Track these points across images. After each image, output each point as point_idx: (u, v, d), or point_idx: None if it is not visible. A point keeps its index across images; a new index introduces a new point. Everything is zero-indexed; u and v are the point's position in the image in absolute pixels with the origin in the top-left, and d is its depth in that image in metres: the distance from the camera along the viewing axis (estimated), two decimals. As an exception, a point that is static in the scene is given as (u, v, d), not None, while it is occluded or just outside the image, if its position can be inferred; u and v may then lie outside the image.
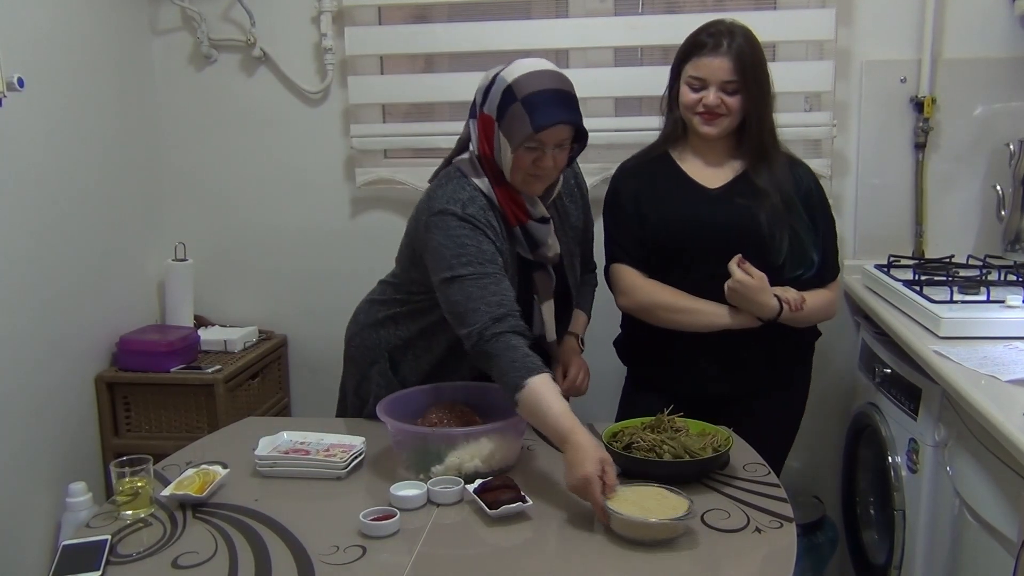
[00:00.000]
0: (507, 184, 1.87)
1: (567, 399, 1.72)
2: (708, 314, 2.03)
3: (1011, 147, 2.47)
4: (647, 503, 1.52)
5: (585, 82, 2.61)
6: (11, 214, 2.15)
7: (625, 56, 2.73)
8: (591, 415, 1.93)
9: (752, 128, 2.05)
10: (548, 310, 1.96)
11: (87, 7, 2.46)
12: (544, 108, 1.78)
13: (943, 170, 2.59)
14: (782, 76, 2.60)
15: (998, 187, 2.48)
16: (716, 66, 1.99)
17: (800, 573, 2.42)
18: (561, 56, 2.77)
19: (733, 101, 2.01)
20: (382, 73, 2.78)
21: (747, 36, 2.02)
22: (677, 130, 2.13)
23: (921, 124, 2.56)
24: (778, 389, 2.15)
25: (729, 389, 2.09)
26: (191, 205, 2.84)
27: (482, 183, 1.87)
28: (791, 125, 2.59)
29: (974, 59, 2.54)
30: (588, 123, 2.57)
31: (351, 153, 2.75)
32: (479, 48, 2.65)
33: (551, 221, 1.95)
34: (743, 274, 1.96)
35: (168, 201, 2.83)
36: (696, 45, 2.03)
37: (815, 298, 2.06)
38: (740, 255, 1.97)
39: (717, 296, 2.02)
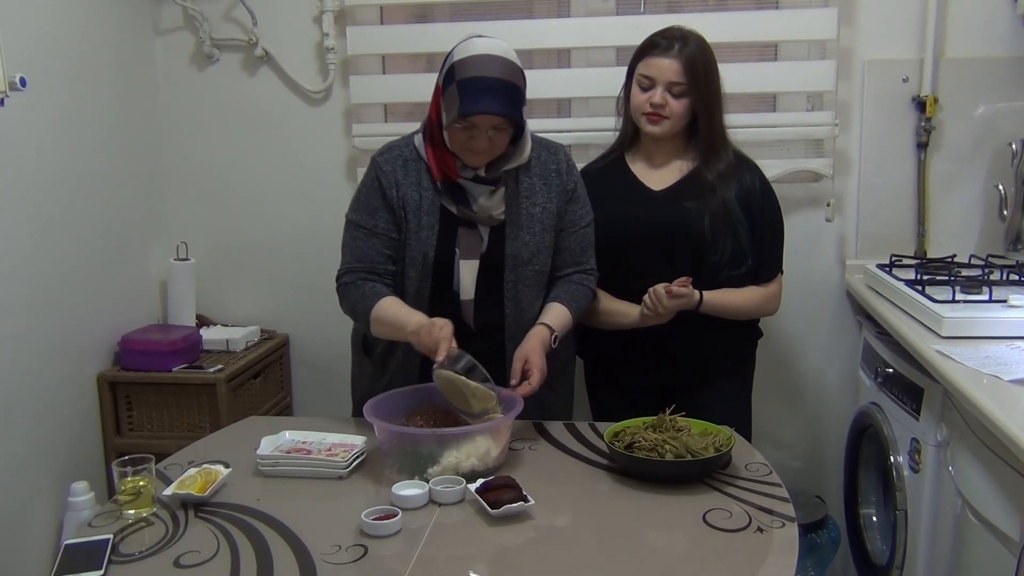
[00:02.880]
0: (444, 146, 1.95)
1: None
2: (620, 315, 2.13)
3: (1013, 146, 2.46)
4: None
5: (587, 81, 2.64)
6: (13, 214, 2.15)
7: (627, 56, 2.70)
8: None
9: (701, 130, 2.11)
10: (468, 268, 1.98)
11: (89, 7, 2.46)
12: (475, 96, 1.84)
13: (945, 170, 2.59)
14: (784, 76, 2.63)
15: (1000, 187, 2.48)
16: (665, 66, 2.06)
17: (802, 572, 2.43)
18: (563, 55, 2.78)
19: (677, 104, 2.07)
20: (384, 73, 2.78)
21: (700, 43, 2.09)
22: (628, 131, 2.21)
23: (923, 124, 2.55)
24: (723, 379, 2.22)
25: (673, 380, 2.14)
26: (193, 204, 2.84)
27: (417, 138, 2.02)
28: (793, 125, 2.60)
29: (976, 58, 2.53)
30: (590, 122, 2.63)
31: (353, 152, 2.76)
32: (481, 48, 2.65)
33: (499, 187, 1.98)
34: (654, 310, 2.03)
35: (170, 200, 2.84)
36: (649, 46, 2.11)
37: (746, 294, 2.14)
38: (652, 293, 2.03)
39: None
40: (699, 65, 2.06)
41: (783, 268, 2.23)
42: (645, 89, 2.09)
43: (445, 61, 1.93)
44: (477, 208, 1.96)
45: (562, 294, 2.06)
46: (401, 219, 1.98)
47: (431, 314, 1.92)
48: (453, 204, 1.97)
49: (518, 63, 1.92)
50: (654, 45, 2.09)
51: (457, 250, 1.98)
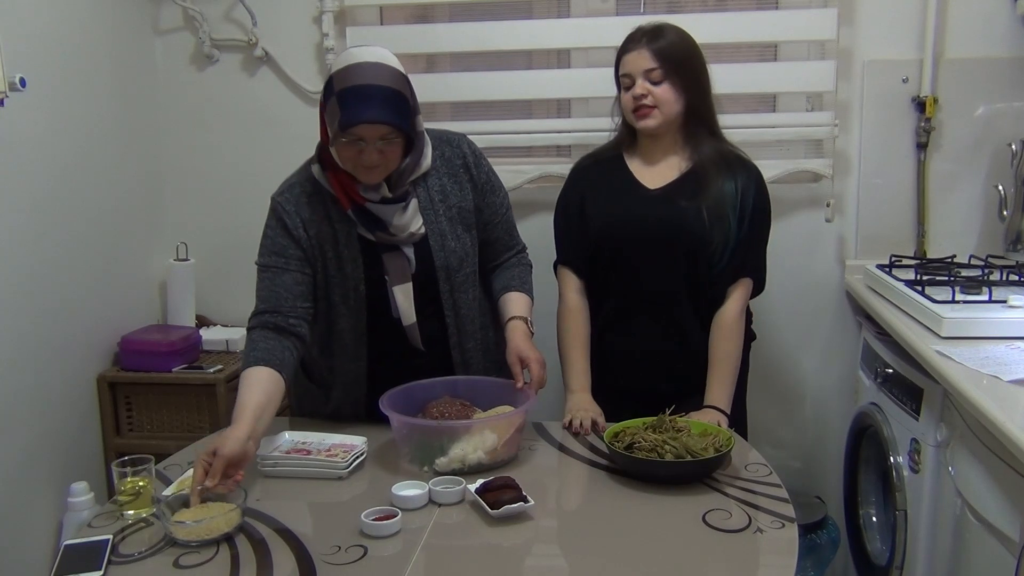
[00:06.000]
0: (342, 168, 1.85)
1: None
2: (568, 372, 2.11)
3: (1013, 147, 2.46)
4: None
5: (587, 81, 2.64)
6: (12, 214, 2.15)
7: (627, 56, 2.73)
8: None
9: (690, 120, 2.09)
10: (403, 293, 1.90)
11: (89, 7, 2.46)
12: (353, 105, 1.74)
13: (945, 170, 2.59)
14: (784, 76, 2.63)
15: (1000, 187, 2.48)
16: (635, 59, 2.06)
17: (802, 573, 2.43)
18: (563, 55, 2.78)
19: (660, 91, 2.05)
20: (384, 73, 2.77)
21: (675, 32, 2.08)
22: (623, 134, 2.19)
23: (923, 124, 2.55)
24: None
25: (664, 387, 2.09)
26: (193, 205, 2.84)
27: (315, 168, 1.91)
28: (793, 125, 2.60)
29: (976, 59, 2.53)
30: (589, 123, 2.62)
31: (353, 153, 2.75)
32: (481, 48, 2.65)
33: (410, 200, 1.91)
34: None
35: (170, 201, 2.84)
36: (622, 45, 2.11)
37: (728, 347, 2.07)
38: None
39: (657, 294, 2.09)
40: (669, 50, 2.04)
41: (763, 281, 2.16)
42: (628, 88, 2.08)
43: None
44: (394, 229, 1.88)
45: (512, 281, 2.05)
46: (316, 258, 1.89)
47: (374, 343, 1.94)
48: (369, 232, 1.89)
49: (401, 70, 1.81)
50: (625, 43, 2.10)
51: (387, 277, 1.91)
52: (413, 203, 1.91)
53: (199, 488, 1.56)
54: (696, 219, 2.05)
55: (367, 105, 1.74)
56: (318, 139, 2.80)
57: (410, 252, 1.93)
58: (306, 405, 2.12)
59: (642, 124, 2.08)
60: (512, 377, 1.89)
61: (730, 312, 2.08)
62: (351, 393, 2.01)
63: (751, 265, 2.11)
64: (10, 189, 2.14)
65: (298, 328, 1.85)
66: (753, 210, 2.09)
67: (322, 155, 1.90)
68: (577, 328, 2.15)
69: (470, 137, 2.04)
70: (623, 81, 2.09)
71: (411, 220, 1.91)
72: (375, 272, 1.91)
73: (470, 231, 1.99)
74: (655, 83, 2.04)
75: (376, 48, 1.82)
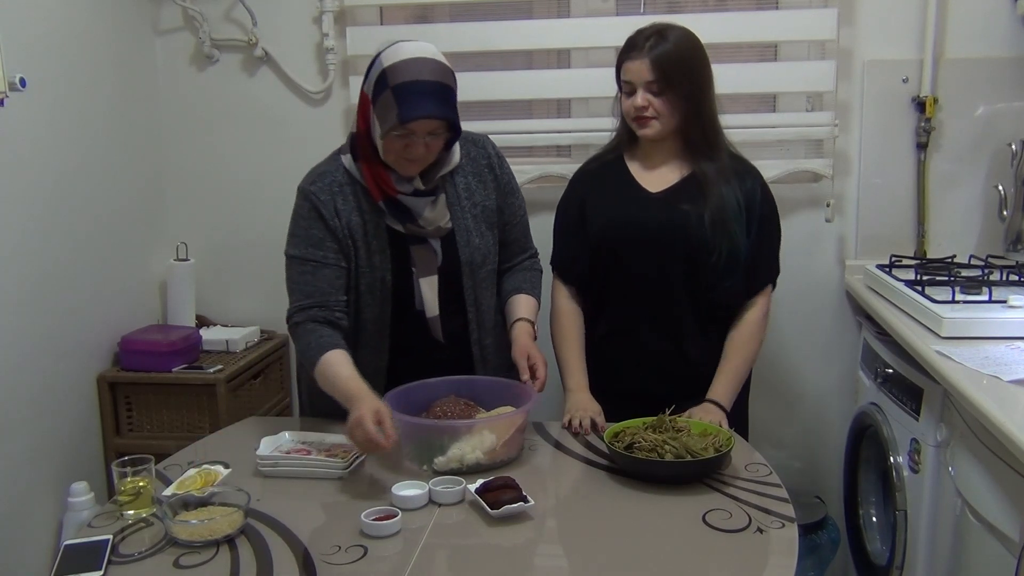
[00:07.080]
0: (378, 160, 1.89)
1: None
2: (565, 372, 2.12)
3: (1013, 147, 2.46)
4: None
5: (587, 81, 2.65)
6: (13, 214, 2.15)
7: (627, 56, 2.73)
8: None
9: (691, 128, 2.07)
10: (428, 285, 1.94)
11: (89, 7, 2.46)
12: (412, 100, 1.78)
13: (945, 170, 2.59)
14: (784, 76, 2.63)
15: (1000, 187, 2.48)
16: (637, 68, 2.03)
17: (802, 573, 2.43)
18: (563, 55, 2.78)
19: (660, 103, 2.03)
20: (384, 73, 2.77)
21: (679, 38, 2.03)
22: (624, 136, 2.18)
23: (923, 124, 2.55)
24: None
25: (665, 390, 2.04)
26: (193, 205, 2.84)
27: (346, 159, 1.94)
28: (793, 125, 2.60)
29: (976, 59, 2.53)
30: (589, 123, 2.63)
31: (353, 153, 2.75)
32: (481, 48, 2.65)
33: (439, 195, 1.95)
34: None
35: (170, 201, 2.84)
36: (624, 49, 2.08)
37: (744, 351, 2.09)
38: None
39: (656, 296, 2.08)
40: (671, 59, 2.00)
41: (776, 281, 2.17)
42: (629, 95, 2.06)
43: (370, 69, 1.86)
44: (424, 222, 1.93)
45: (522, 284, 2.08)
46: (349, 248, 1.93)
47: (396, 335, 1.96)
48: (399, 223, 1.92)
49: (448, 64, 1.86)
50: (628, 48, 2.07)
51: (414, 269, 1.94)
52: (442, 198, 1.96)
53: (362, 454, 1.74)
54: (698, 224, 2.04)
55: (425, 100, 1.79)
56: (318, 138, 2.81)
57: (437, 245, 1.96)
58: (318, 404, 2.10)
59: (641, 133, 2.08)
60: (517, 378, 1.91)
61: (754, 315, 2.10)
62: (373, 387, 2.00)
63: (765, 271, 2.13)
64: (10, 189, 2.14)
65: (342, 321, 1.92)
66: (761, 218, 2.09)
67: (354, 144, 1.93)
68: (570, 329, 2.16)
69: None
70: (624, 87, 2.08)
71: (440, 214, 1.95)
72: (401, 264, 1.94)
73: (492, 230, 2.03)
74: (655, 94, 2.02)
75: (423, 43, 1.86)
